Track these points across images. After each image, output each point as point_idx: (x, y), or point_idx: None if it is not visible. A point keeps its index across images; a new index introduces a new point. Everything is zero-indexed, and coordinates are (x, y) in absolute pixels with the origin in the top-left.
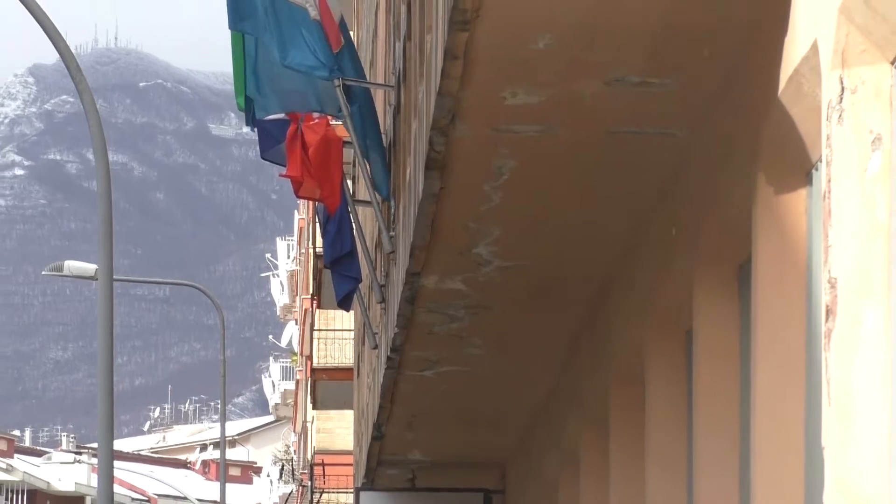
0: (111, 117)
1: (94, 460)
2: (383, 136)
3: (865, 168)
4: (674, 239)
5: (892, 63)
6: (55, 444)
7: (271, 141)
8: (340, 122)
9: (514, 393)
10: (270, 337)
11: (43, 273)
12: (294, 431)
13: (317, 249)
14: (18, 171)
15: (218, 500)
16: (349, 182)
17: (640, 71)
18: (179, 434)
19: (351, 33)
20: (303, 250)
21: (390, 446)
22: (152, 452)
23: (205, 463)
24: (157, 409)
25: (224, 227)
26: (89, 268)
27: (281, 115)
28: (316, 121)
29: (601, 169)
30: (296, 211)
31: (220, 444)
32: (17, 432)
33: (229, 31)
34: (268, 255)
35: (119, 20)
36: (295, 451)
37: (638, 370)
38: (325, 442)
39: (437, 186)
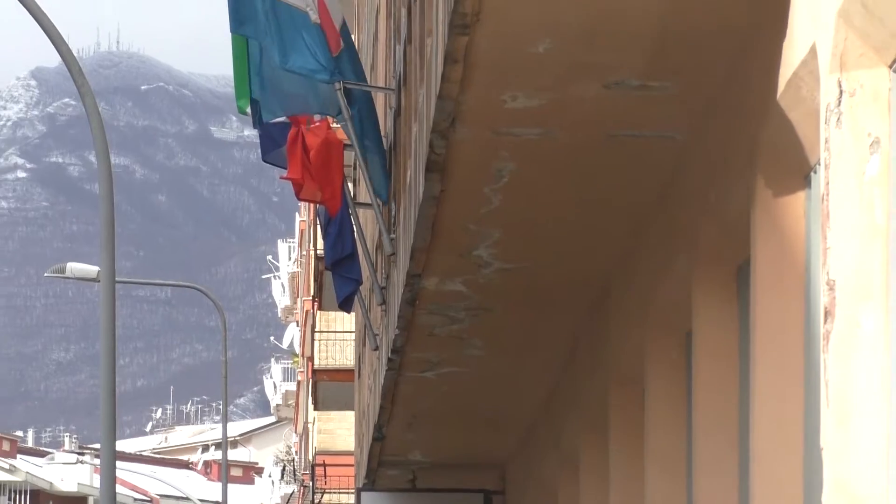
0: (113, 120)
1: (97, 461)
2: (384, 139)
3: (864, 171)
4: (673, 240)
5: (891, 67)
6: (58, 445)
7: (272, 144)
8: (341, 125)
9: (515, 394)
10: (272, 338)
11: (45, 275)
12: (295, 432)
13: (318, 251)
14: (21, 174)
15: (220, 500)
16: (350, 185)
17: (639, 74)
18: (181, 435)
19: (352, 37)
20: (304, 252)
21: (391, 447)
22: (154, 453)
23: (206, 463)
24: (159, 410)
25: (225, 230)
26: (91, 270)
27: (282, 119)
28: (317, 124)
29: (601, 171)
30: (297, 213)
31: (221, 444)
32: (19, 433)
33: (230, 35)
34: (269, 258)
35: (121, 24)
36: (296, 452)
37: (637, 371)
38: (326, 443)
39: (438, 189)
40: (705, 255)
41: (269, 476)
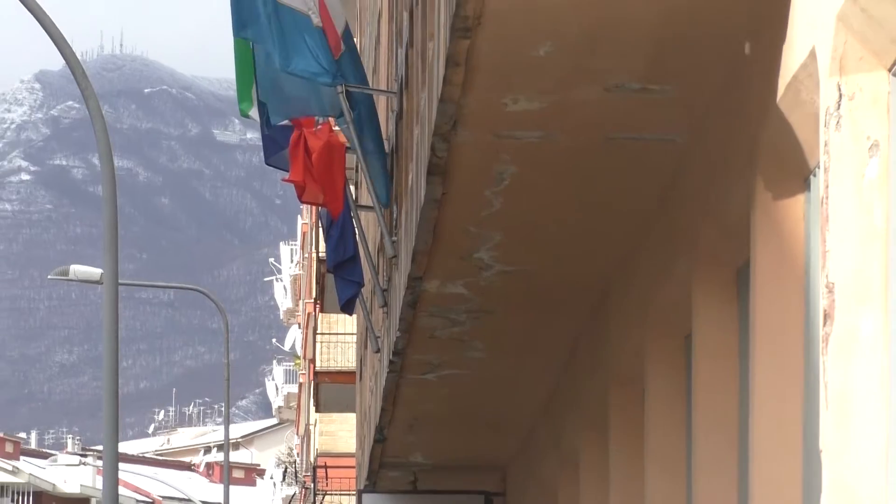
0: (116, 123)
1: (100, 462)
2: (385, 143)
3: (863, 174)
4: (673, 242)
5: (890, 70)
6: (61, 447)
7: (275, 147)
8: (342, 129)
9: (515, 396)
10: (274, 340)
11: (49, 277)
12: (297, 434)
13: (320, 254)
14: (25, 177)
15: (221, 502)
16: (352, 187)
17: (640, 77)
18: (183, 436)
19: (354, 40)
20: (306, 255)
21: (392, 449)
22: (157, 455)
23: (209, 465)
24: (162, 412)
25: (228, 232)
26: (95, 272)
27: (284, 121)
28: (319, 127)
29: (601, 174)
30: (299, 216)
31: (223, 446)
32: (23, 434)
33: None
34: (271, 260)
35: (124, 27)
36: (298, 454)
37: (637, 372)
38: (327, 444)
39: (439, 192)
40: (705, 257)
41: (271, 478)
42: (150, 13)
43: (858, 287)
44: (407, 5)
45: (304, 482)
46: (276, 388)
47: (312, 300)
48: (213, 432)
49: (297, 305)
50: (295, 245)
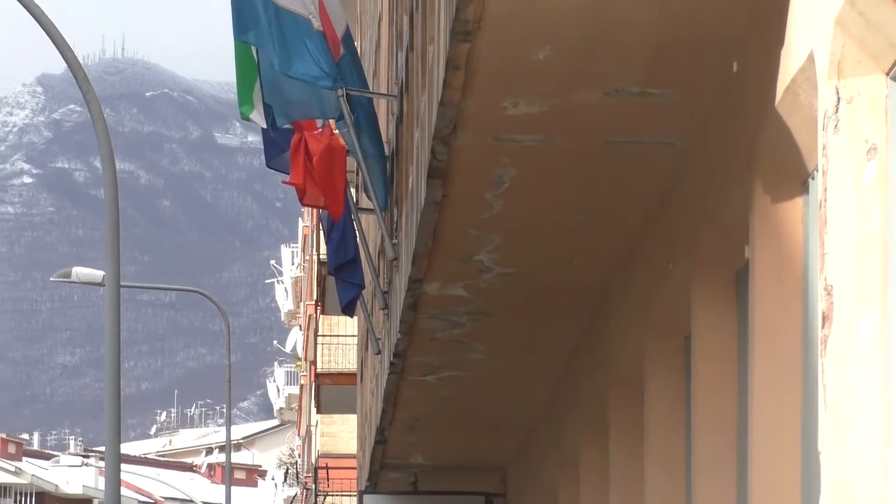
0: (118, 126)
1: (102, 463)
2: (386, 146)
3: (861, 177)
4: (672, 245)
5: (888, 74)
6: (63, 448)
7: (276, 149)
8: (342, 132)
9: (515, 397)
10: (275, 342)
11: (51, 279)
12: (298, 435)
13: (321, 256)
14: (27, 179)
15: (223, 503)
16: (352, 190)
17: (639, 81)
18: (185, 438)
19: (355, 44)
20: (307, 257)
21: (393, 450)
22: (159, 456)
23: (210, 466)
24: (164, 413)
25: (229, 235)
26: (97, 274)
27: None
28: (320, 130)
29: (601, 177)
30: (300, 218)
31: (225, 447)
32: (25, 436)
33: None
34: (272, 262)
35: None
36: (299, 455)
37: (637, 373)
38: (328, 445)
39: (439, 194)
40: (704, 260)
41: (273, 479)
42: (151, 17)
43: (857, 289)
44: (407, 9)
45: (306, 483)
46: (278, 390)
47: (313, 302)
48: (214, 433)
49: (299, 307)
50: (296, 247)
